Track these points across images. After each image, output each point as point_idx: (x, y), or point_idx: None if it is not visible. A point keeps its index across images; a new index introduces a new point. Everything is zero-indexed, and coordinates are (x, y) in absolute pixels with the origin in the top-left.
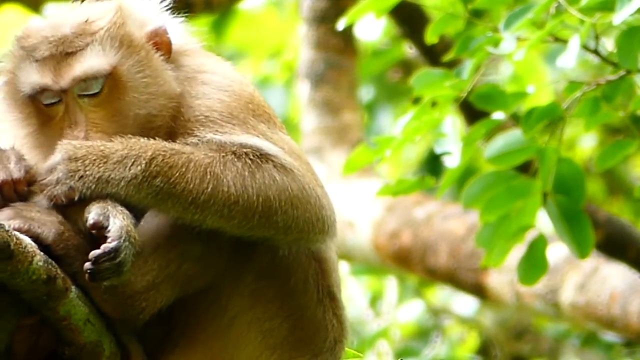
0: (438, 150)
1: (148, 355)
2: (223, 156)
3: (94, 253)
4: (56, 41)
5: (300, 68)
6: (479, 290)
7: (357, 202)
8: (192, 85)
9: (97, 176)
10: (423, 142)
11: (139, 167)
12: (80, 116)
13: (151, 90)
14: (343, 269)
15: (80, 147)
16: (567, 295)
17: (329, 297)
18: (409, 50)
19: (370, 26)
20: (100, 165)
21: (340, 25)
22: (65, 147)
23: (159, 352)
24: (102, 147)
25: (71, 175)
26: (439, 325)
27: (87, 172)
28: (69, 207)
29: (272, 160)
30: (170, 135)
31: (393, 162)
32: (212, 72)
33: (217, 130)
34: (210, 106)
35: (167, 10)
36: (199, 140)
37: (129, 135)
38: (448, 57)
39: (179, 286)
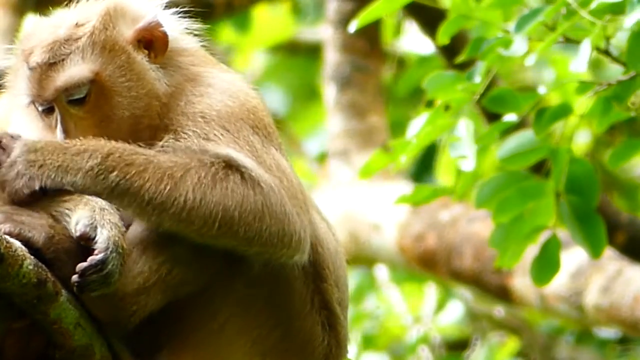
0: (453, 154)
1: (137, 358)
2: (187, 162)
3: (81, 266)
4: (47, 47)
5: (326, 71)
6: (503, 292)
7: (383, 204)
8: (194, 85)
9: (56, 165)
10: None
11: (95, 160)
12: (70, 124)
13: (134, 93)
14: (383, 275)
15: (39, 140)
16: (591, 297)
17: (326, 311)
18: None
19: (420, 40)
20: (59, 155)
21: (352, 27)
22: (24, 142)
23: (149, 356)
24: (61, 142)
25: (31, 166)
26: (478, 328)
27: (47, 161)
28: (54, 205)
29: (241, 172)
30: (157, 131)
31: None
32: (220, 78)
33: (205, 133)
34: (212, 105)
35: (175, 11)
36: (174, 142)
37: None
38: (460, 59)
39: (170, 290)
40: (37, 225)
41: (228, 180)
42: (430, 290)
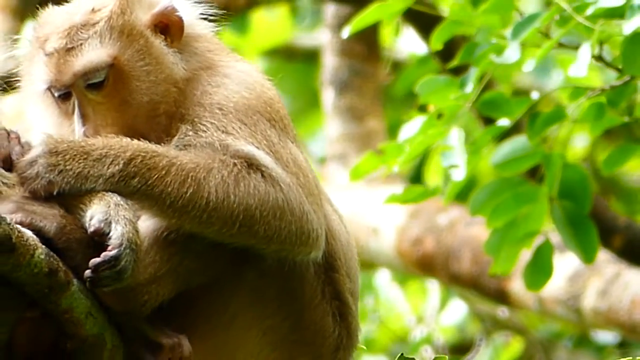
0: (444, 163)
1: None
2: (209, 163)
3: (94, 261)
4: (63, 33)
5: (325, 75)
6: (501, 296)
7: (381, 208)
8: (210, 74)
9: (76, 171)
10: None
11: (116, 167)
12: (88, 109)
13: (152, 78)
14: (384, 276)
15: (62, 141)
16: (589, 301)
17: (337, 302)
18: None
19: (415, 39)
20: (80, 161)
21: (345, 32)
22: (46, 141)
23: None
24: (83, 144)
25: (51, 169)
26: (483, 328)
27: (67, 167)
28: (69, 199)
29: (262, 171)
30: (173, 119)
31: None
32: (236, 68)
33: (223, 126)
34: (228, 97)
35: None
36: (193, 136)
37: (112, 135)
38: (452, 64)
39: (181, 280)
40: (48, 215)
41: (250, 179)
42: (433, 289)
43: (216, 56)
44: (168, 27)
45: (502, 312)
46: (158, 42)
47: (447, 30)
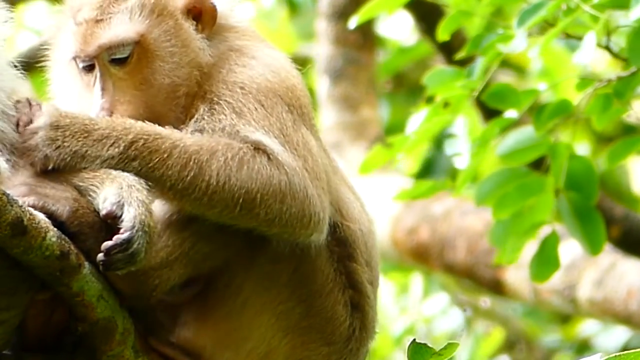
0: (449, 151)
1: (159, 332)
2: (214, 146)
3: (106, 244)
4: (95, 4)
5: (319, 64)
6: (496, 286)
7: (376, 197)
8: (239, 55)
9: (74, 149)
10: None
11: (116, 149)
12: (109, 83)
13: (176, 60)
14: None
15: (66, 115)
16: (585, 291)
17: (352, 291)
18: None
19: (398, 24)
20: (79, 139)
21: (353, 22)
22: (50, 113)
23: (171, 330)
24: (86, 121)
25: (49, 143)
26: (465, 318)
27: (65, 144)
28: (80, 180)
29: (268, 154)
30: (194, 98)
31: (413, 156)
32: (264, 52)
33: (239, 107)
34: (252, 77)
35: None
36: (208, 120)
37: (118, 116)
38: (460, 55)
39: (193, 265)
40: (61, 198)
41: (254, 162)
42: (416, 281)
43: (248, 41)
44: (201, 13)
45: (484, 302)
46: (187, 26)
47: (455, 20)
